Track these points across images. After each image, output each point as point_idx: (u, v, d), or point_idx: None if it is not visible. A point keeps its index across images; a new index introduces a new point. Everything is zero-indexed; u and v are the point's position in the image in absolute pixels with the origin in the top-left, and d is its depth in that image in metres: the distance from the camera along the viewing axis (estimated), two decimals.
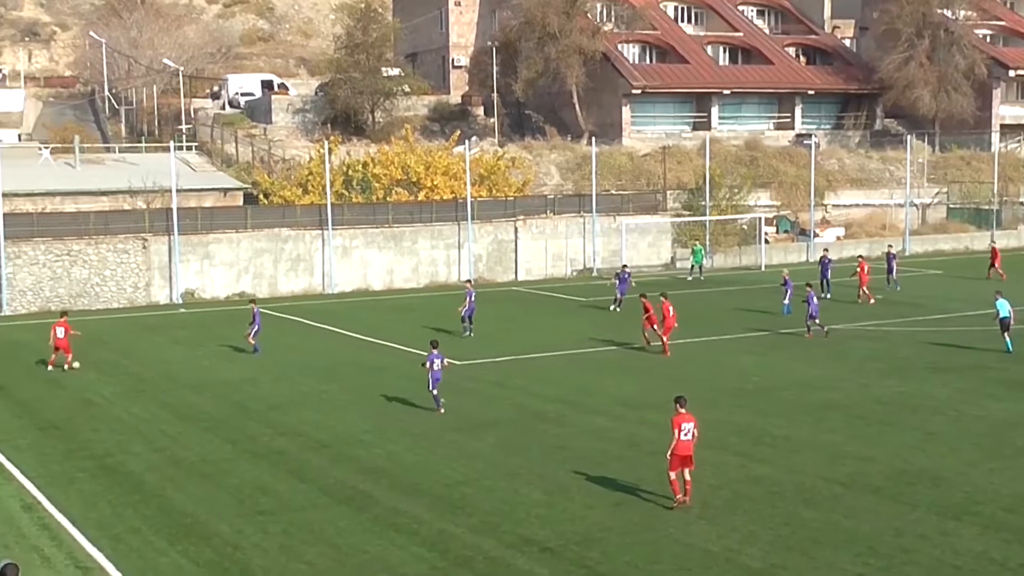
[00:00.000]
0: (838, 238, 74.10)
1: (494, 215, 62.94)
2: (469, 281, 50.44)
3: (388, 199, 62.88)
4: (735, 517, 22.13)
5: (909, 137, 79.34)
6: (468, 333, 43.52)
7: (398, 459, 26.76)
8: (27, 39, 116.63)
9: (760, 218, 69.42)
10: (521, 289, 59.09)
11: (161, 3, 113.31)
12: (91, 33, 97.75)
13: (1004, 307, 38.86)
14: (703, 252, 62.08)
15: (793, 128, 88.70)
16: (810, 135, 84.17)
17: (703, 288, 57.84)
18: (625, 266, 54.89)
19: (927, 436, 28.10)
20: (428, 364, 30.91)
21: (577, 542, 20.98)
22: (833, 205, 78.59)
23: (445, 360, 31.64)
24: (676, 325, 39.53)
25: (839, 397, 32.65)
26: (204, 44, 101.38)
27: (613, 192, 70.28)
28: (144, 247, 54.91)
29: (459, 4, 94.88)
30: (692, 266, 61.48)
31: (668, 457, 22.43)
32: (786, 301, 47.22)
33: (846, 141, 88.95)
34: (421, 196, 63.55)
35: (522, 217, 63.56)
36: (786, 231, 75.17)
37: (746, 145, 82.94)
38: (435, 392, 31.09)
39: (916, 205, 79.27)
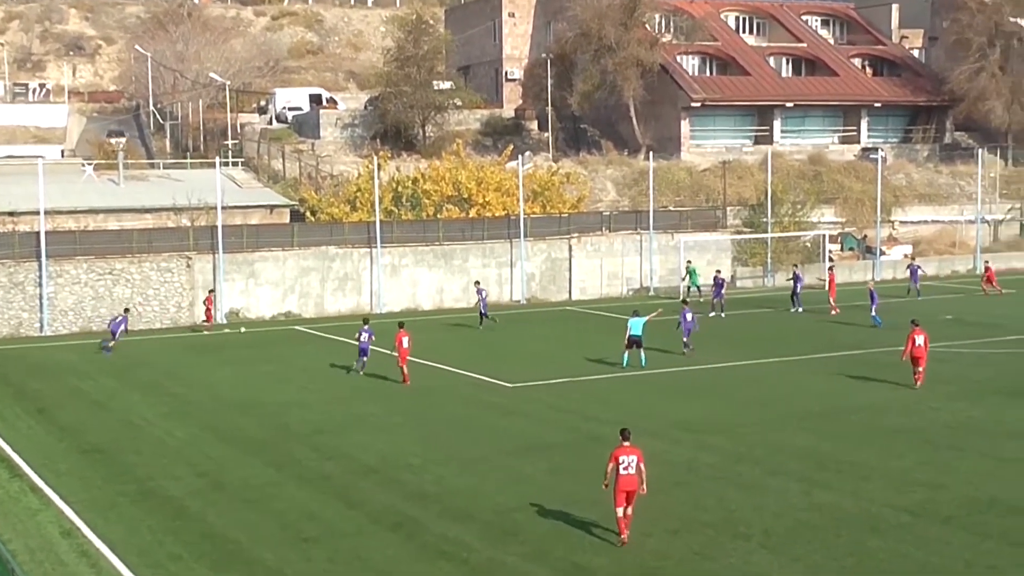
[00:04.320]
0: (906, 255, 71.61)
1: (548, 232, 61.46)
2: (477, 282, 54.63)
3: (438, 216, 61.67)
4: (797, 546, 21.66)
5: (980, 151, 77.52)
6: (481, 327, 49.93)
7: (448, 484, 26.37)
8: (71, 53, 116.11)
9: (824, 235, 67.66)
10: (576, 308, 57.97)
11: (208, 16, 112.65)
12: (136, 47, 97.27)
13: (637, 325, 39.16)
14: (696, 272, 59.01)
15: (859, 142, 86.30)
16: (876, 149, 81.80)
17: (767, 308, 56.24)
18: (719, 271, 56.75)
19: (1000, 463, 27.25)
20: (358, 336, 39.09)
21: (634, 571, 20.58)
22: (900, 222, 76.57)
23: (372, 335, 38.92)
24: (925, 360, 35.59)
25: (908, 421, 31.79)
26: (251, 57, 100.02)
27: (671, 208, 68.57)
28: (188, 266, 53.96)
29: (513, 16, 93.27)
30: (689, 288, 58.55)
31: (604, 486, 21.83)
32: (873, 313, 48.91)
33: (914, 155, 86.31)
34: (472, 213, 62.21)
35: (577, 234, 61.91)
36: (851, 249, 73.14)
37: (809, 160, 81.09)
38: (363, 359, 39.03)
39: (988, 221, 77.28)
